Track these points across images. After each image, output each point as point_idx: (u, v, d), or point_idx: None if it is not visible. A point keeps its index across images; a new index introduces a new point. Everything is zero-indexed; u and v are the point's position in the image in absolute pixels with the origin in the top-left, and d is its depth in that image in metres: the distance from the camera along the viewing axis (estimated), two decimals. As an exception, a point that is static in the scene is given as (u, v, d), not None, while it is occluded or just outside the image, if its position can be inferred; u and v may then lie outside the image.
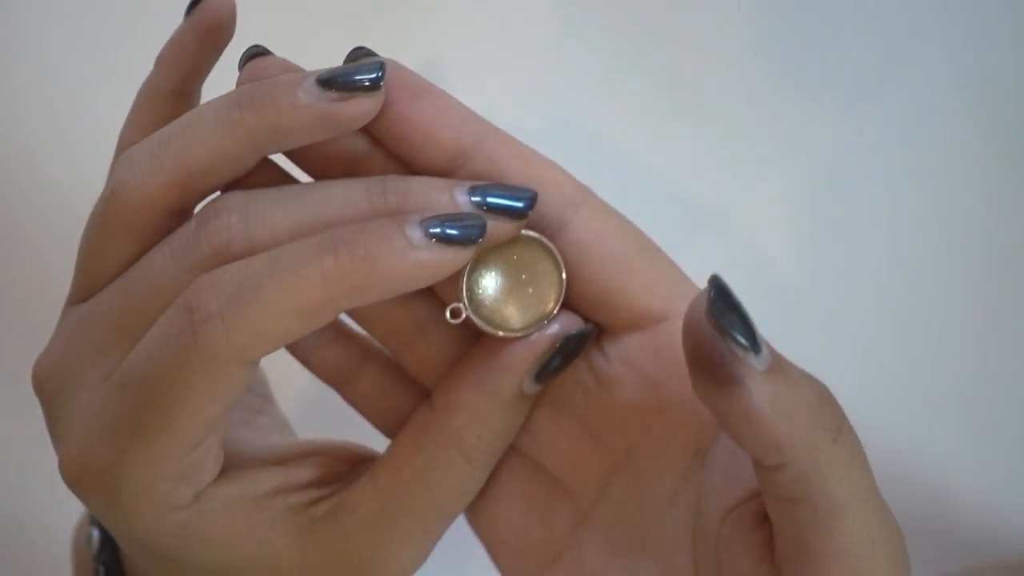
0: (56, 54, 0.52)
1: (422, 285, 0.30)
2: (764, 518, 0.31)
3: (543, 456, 0.36)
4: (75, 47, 0.52)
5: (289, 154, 0.32)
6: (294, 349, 0.36)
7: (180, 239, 0.31)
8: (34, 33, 0.53)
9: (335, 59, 0.32)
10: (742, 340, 0.28)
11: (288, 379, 0.41)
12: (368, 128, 0.31)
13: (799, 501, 0.29)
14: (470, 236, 0.30)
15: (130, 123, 0.35)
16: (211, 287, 0.29)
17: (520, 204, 0.31)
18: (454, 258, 0.30)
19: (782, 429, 0.28)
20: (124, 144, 0.35)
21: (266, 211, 0.31)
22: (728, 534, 0.32)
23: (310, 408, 0.46)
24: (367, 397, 0.36)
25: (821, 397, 0.29)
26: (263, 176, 0.32)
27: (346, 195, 0.31)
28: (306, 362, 0.36)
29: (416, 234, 0.29)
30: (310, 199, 0.31)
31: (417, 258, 0.29)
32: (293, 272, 0.29)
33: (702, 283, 0.34)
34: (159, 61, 0.35)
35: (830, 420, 0.29)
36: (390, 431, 0.37)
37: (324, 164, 0.32)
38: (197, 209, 0.32)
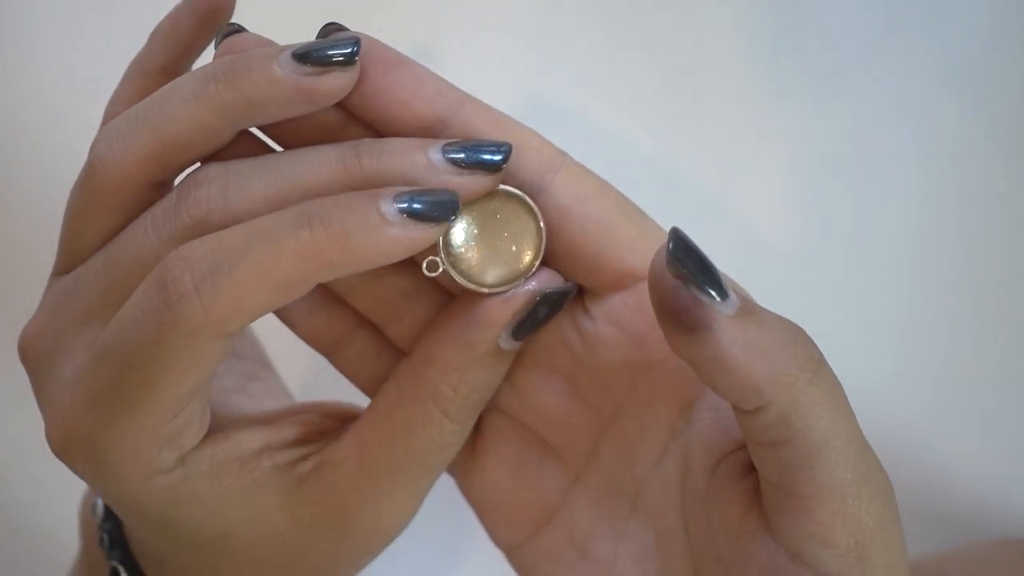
0: (55, 47, 0.53)
1: (395, 260, 0.30)
2: (750, 468, 0.32)
3: (532, 419, 0.36)
4: (74, 41, 0.52)
5: (264, 128, 0.33)
6: (284, 316, 0.36)
7: (161, 211, 0.32)
8: (32, 27, 0.53)
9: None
10: (706, 286, 0.28)
11: (288, 347, 0.41)
12: (343, 102, 0.32)
13: (780, 444, 0.29)
14: (443, 213, 0.30)
15: (117, 96, 0.36)
16: (185, 262, 0.29)
17: (495, 157, 0.31)
18: (426, 234, 0.30)
19: (756, 371, 0.29)
20: (109, 116, 0.36)
21: (244, 182, 0.31)
22: (715, 486, 0.33)
23: (311, 377, 0.46)
24: (357, 364, 0.36)
25: (795, 338, 0.29)
26: (242, 147, 0.33)
27: (321, 161, 0.31)
28: (295, 329, 0.36)
29: (390, 209, 0.30)
30: (286, 168, 0.31)
31: (391, 233, 0.30)
32: (268, 247, 0.29)
33: None
34: (153, 36, 0.36)
35: (806, 360, 0.29)
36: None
37: (298, 137, 0.32)
38: (178, 180, 0.32)
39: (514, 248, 0.33)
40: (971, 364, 0.50)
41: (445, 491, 0.37)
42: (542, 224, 0.33)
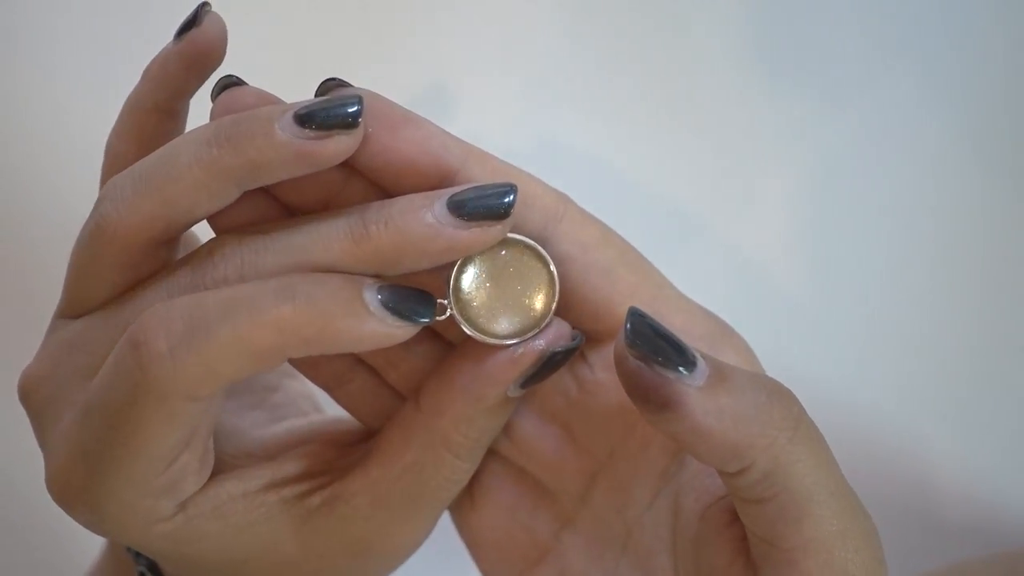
0: (57, 54, 0.52)
1: (365, 349, 0.30)
2: (737, 515, 0.32)
3: (526, 462, 0.36)
4: (76, 47, 0.51)
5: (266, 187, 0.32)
6: None
7: (176, 284, 0.32)
8: (35, 32, 0.53)
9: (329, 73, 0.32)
10: (669, 362, 0.29)
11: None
12: (349, 161, 0.31)
13: (765, 501, 0.30)
14: (419, 314, 0.30)
15: (115, 132, 0.36)
16: (161, 322, 0.29)
17: (500, 203, 0.31)
18: (402, 331, 0.30)
19: (733, 437, 0.29)
20: (109, 151, 0.36)
21: (258, 259, 0.31)
22: (704, 531, 0.33)
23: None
24: (358, 400, 0.37)
25: (771, 397, 0.29)
26: (250, 206, 0.32)
27: (330, 234, 0.31)
28: (296, 365, 0.37)
29: (373, 300, 0.30)
30: (297, 242, 0.31)
31: (369, 325, 0.30)
32: (248, 316, 0.29)
33: (693, 289, 0.34)
34: (145, 76, 0.35)
35: (783, 419, 0.29)
36: (377, 428, 0.37)
37: (301, 195, 0.32)
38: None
39: (525, 298, 0.32)
40: (966, 367, 0.50)
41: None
42: (555, 274, 0.32)
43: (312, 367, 0.36)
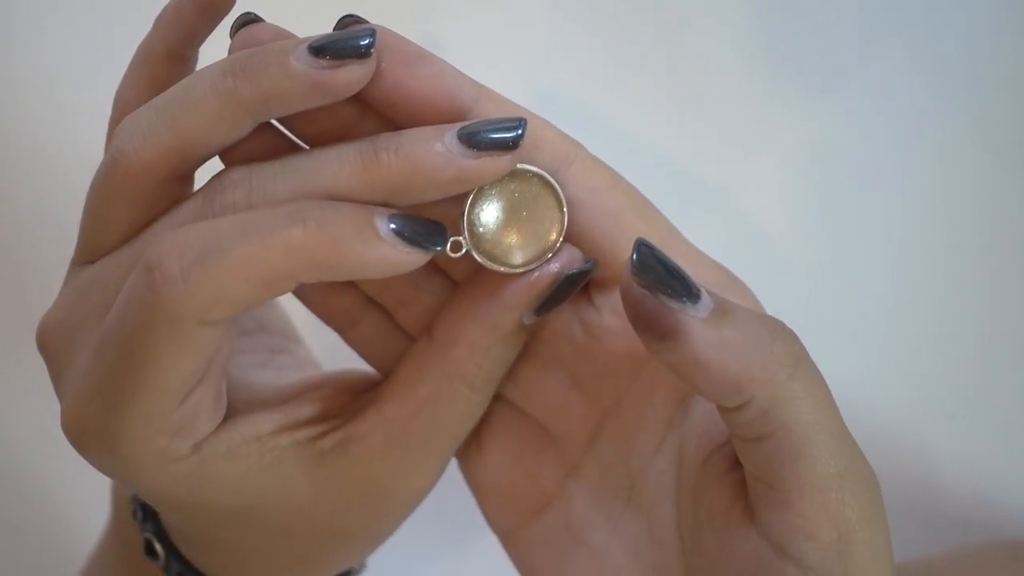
0: (57, 41, 0.53)
1: (375, 276, 0.31)
2: (738, 461, 0.32)
3: (533, 407, 0.36)
4: (77, 36, 0.52)
5: (282, 120, 0.33)
6: (299, 294, 0.36)
7: (187, 212, 0.32)
8: (34, 23, 0.53)
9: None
10: (674, 292, 0.29)
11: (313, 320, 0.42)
12: (362, 94, 0.32)
13: (763, 438, 0.30)
14: (431, 242, 0.31)
15: (126, 81, 0.36)
16: (174, 246, 0.29)
17: (511, 134, 0.31)
18: (411, 258, 0.31)
19: (732, 370, 0.29)
20: (119, 101, 0.36)
21: (268, 185, 0.31)
22: (705, 477, 0.33)
23: (339, 347, 0.47)
24: (368, 341, 0.37)
25: (773, 334, 0.30)
26: (262, 139, 0.33)
27: (340, 159, 0.31)
28: (309, 305, 0.37)
29: (384, 226, 0.30)
30: (307, 168, 0.31)
31: (380, 249, 0.30)
32: (259, 239, 0.29)
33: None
34: (157, 22, 0.36)
35: (784, 355, 0.30)
36: (387, 371, 0.37)
37: (315, 130, 0.33)
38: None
39: (536, 227, 0.33)
40: (964, 361, 0.50)
41: (450, 488, 0.38)
42: (564, 201, 0.33)
43: (323, 306, 0.37)
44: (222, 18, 0.35)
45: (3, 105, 0.54)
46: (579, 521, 0.36)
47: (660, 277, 0.29)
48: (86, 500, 0.49)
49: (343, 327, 0.37)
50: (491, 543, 0.39)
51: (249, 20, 0.33)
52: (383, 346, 0.37)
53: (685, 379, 0.30)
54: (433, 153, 0.31)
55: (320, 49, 0.30)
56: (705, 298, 0.29)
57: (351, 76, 0.31)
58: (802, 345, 0.30)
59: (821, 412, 0.30)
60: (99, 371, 0.31)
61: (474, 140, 0.31)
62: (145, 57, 0.35)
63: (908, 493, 0.49)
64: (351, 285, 0.36)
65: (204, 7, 0.35)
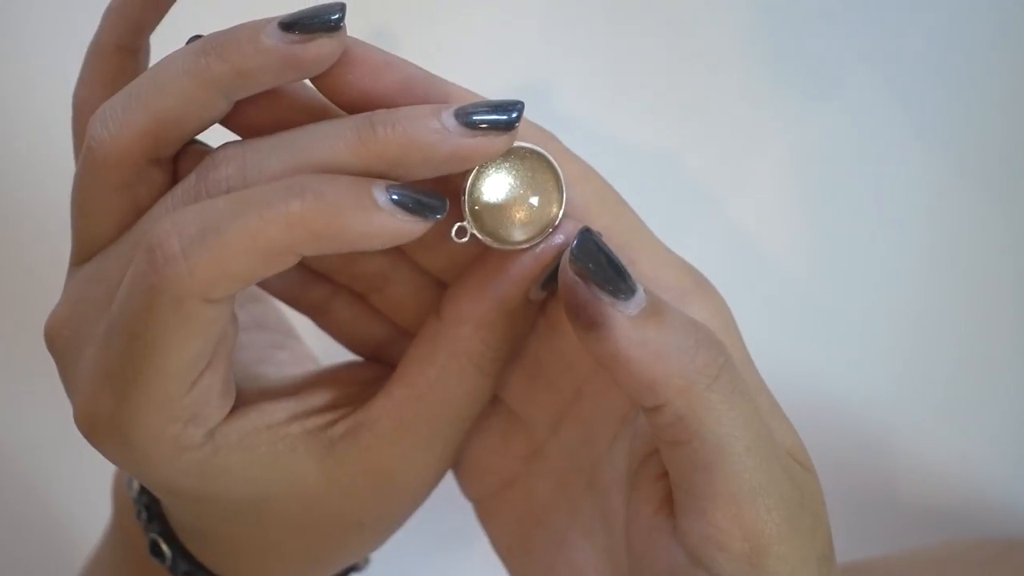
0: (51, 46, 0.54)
1: (375, 247, 0.30)
2: None
3: (501, 390, 0.37)
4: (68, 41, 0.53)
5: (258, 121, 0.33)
6: (263, 283, 0.36)
7: (181, 192, 0.32)
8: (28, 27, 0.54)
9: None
10: (607, 284, 0.29)
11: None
12: (335, 101, 0.32)
13: (679, 444, 0.30)
14: (430, 211, 0.31)
15: (80, 80, 0.36)
16: (174, 226, 0.30)
17: (507, 116, 0.31)
18: (411, 227, 0.31)
19: (649, 371, 0.29)
20: (77, 101, 0.36)
21: (262, 159, 0.31)
22: (641, 477, 0.33)
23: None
24: (340, 326, 0.37)
25: (699, 343, 0.30)
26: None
27: (336, 133, 0.31)
28: (273, 292, 0.37)
29: (382, 196, 0.30)
30: (302, 142, 0.31)
31: (379, 218, 0.30)
32: (258, 213, 0.29)
33: (693, 262, 0.34)
34: (104, 16, 0.36)
35: (706, 366, 0.30)
36: (367, 356, 0.38)
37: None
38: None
39: (536, 203, 0.33)
40: (964, 363, 0.50)
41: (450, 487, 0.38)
42: (561, 174, 0.33)
43: (292, 295, 0.37)
44: (168, 7, 0.35)
45: (3, 106, 0.55)
46: (542, 501, 0.37)
47: (597, 266, 0.30)
48: (86, 500, 0.49)
49: (313, 313, 0.37)
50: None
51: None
52: (356, 330, 0.37)
53: (605, 370, 0.30)
54: (430, 130, 0.31)
55: (290, 25, 0.31)
56: (639, 295, 0.30)
57: (322, 50, 0.31)
58: (729, 358, 0.31)
59: (740, 426, 0.30)
60: (108, 360, 0.31)
61: (470, 120, 0.31)
62: (95, 52, 0.36)
63: (904, 492, 0.49)
64: (314, 279, 0.37)
65: None
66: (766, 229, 0.51)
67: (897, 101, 0.49)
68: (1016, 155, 0.49)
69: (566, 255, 0.30)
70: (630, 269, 0.32)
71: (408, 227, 0.30)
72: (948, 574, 0.47)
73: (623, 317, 0.29)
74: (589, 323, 0.30)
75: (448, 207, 0.31)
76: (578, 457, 0.36)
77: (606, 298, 0.29)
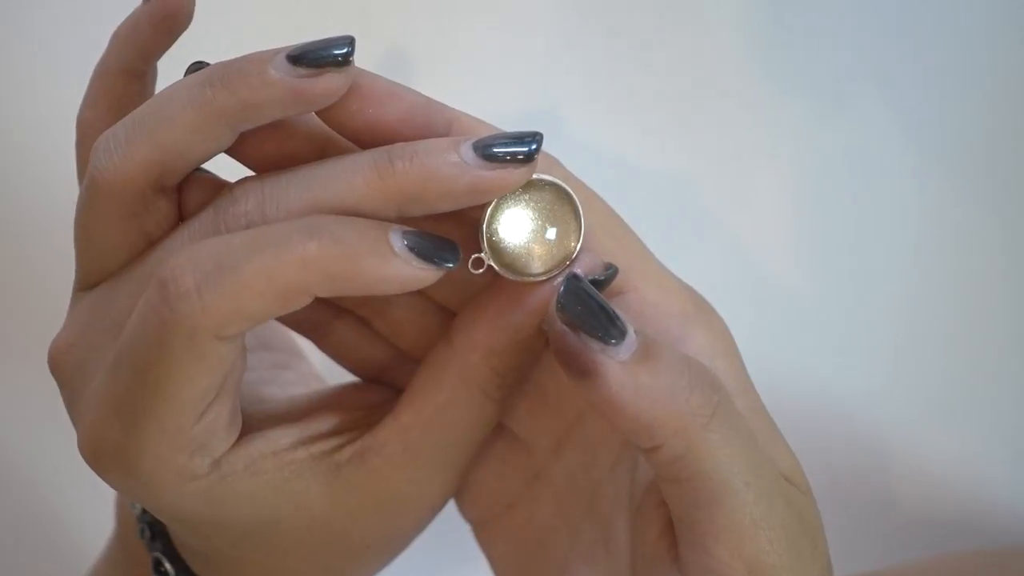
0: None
1: (388, 292, 0.30)
2: None
3: (503, 414, 0.36)
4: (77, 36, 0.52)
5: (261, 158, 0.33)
6: None
7: (199, 225, 0.32)
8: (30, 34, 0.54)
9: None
10: (597, 330, 0.29)
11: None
12: (340, 131, 0.32)
13: (680, 481, 0.30)
14: (442, 258, 0.31)
15: (85, 101, 0.36)
16: (188, 261, 0.29)
17: (527, 148, 0.31)
18: (425, 275, 0.30)
19: (646, 415, 0.29)
20: (80, 122, 0.36)
21: (280, 194, 0.31)
22: (645, 503, 0.34)
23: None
24: (341, 348, 0.37)
25: (692, 383, 0.30)
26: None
27: (355, 168, 0.31)
28: (280, 317, 0.37)
29: (398, 243, 0.30)
30: (320, 177, 0.31)
31: (394, 264, 0.30)
32: (274, 253, 0.29)
33: (693, 283, 0.34)
34: (113, 39, 0.36)
35: (700, 406, 0.30)
36: (368, 377, 0.38)
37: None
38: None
39: (554, 235, 0.33)
40: (961, 371, 0.50)
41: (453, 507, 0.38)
42: (580, 207, 0.33)
43: (293, 317, 0.36)
44: (179, 34, 0.35)
45: (4, 107, 0.55)
46: (542, 524, 0.37)
47: (586, 313, 0.29)
48: (86, 504, 0.49)
49: (314, 336, 0.37)
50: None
51: (201, 67, 0.32)
52: (357, 353, 0.37)
53: (600, 416, 0.30)
54: (449, 163, 0.31)
55: (298, 58, 0.30)
56: (630, 339, 0.30)
57: (329, 85, 0.31)
58: (724, 394, 0.31)
59: (738, 461, 0.30)
60: (116, 390, 0.31)
61: (489, 153, 0.31)
62: (101, 75, 0.36)
63: (901, 496, 0.49)
64: (319, 298, 0.37)
65: (159, 23, 0.35)
66: (767, 243, 0.51)
67: (900, 118, 0.49)
68: (1015, 168, 0.49)
69: (553, 303, 0.30)
70: (631, 295, 0.32)
71: (422, 275, 0.30)
72: None
73: (614, 364, 0.29)
74: (581, 372, 0.29)
75: (460, 255, 0.31)
76: (579, 481, 0.36)
77: (596, 345, 0.29)
